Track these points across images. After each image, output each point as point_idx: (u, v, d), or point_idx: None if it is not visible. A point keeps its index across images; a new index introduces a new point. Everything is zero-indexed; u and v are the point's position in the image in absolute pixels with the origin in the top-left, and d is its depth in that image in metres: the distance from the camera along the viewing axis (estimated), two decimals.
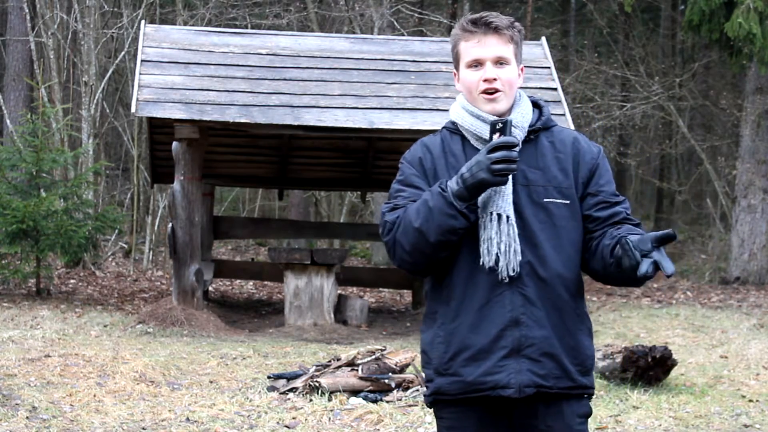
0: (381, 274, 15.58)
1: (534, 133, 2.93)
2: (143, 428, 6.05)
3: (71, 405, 6.50)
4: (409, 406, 6.60)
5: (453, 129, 2.99)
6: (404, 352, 7.43)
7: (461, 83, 2.97)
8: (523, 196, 2.86)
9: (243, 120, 10.35)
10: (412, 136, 11.11)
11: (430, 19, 20.28)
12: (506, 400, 2.84)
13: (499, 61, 2.90)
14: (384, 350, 7.27)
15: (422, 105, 10.82)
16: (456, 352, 2.86)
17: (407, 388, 6.94)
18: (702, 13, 14.72)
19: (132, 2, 18.28)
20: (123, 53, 17.41)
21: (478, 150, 2.87)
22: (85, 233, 12.28)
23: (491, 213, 2.83)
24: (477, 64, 2.91)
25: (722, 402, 7.25)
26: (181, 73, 10.89)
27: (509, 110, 2.92)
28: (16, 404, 6.40)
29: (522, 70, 2.97)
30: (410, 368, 7.27)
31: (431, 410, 3.03)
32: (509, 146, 2.74)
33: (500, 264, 2.81)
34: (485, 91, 2.89)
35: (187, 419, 6.24)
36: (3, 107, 18.06)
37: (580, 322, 2.92)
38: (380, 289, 15.54)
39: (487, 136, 2.86)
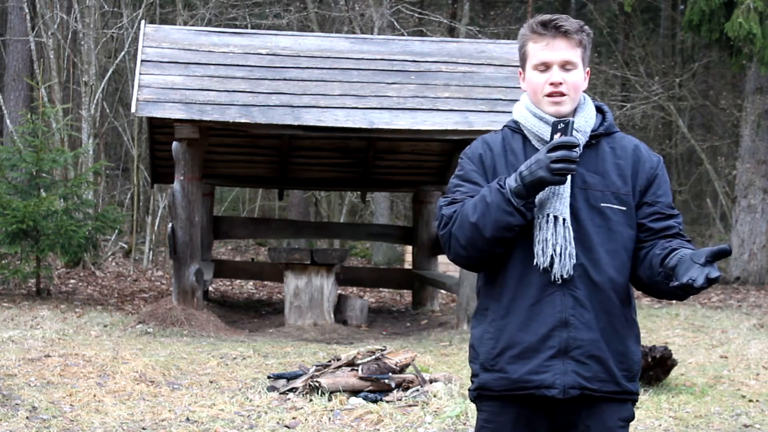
0: (381, 274, 15.58)
1: (596, 138, 2.94)
2: (143, 428, 6.05)
3: (71, 405, 6.50)
4: (409, 406, 6.60)
5: (515, 128, 2.99)
6: (404, 352, 7.43)
7: (527, 84, 2.97)
8: (581, 199, 2.88)
9: (243, 120, 10.35)
10: (412, 136, 11.13)
11: (430, 19, 20.29)
12: (549, 400, 2.86)
13: (566, 65, 2.90)
14: (384, 350, 7.27)
15: (422, 105, 10.82)
16: (503, 348, 2.88)
17: (407, 388, 6.94)
18: (702, 13, 14.73)
19: (132, 2, 18.28)
20: (123, 53, 17.41)
21: (538, 150, 2.88)
22: (85, 233, 12.28)
23: (548, 214, 2.85)
24: (544, 66, 2.91)
25: (722, 402, 7.25)
26: (181, 73, 10.89)
27: (573, 114, 2.93)
28: (16, 404, 6.40)
29: (588, 73, 2.98)
30: (410, 368, 7.27)
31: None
32: (569, 146, 2.75)
33: (554, 266, 2.83)
34: (550, 94, 2.90)
35: (187, 419, 6.24)
36: (3, 107, 18.06)
37: (629, 327, 2.94)
38: (380, 289, 15.55)
39: (548, 137, 2.87)
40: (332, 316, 11.34)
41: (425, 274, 13.06)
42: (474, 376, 2.98)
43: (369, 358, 7.05)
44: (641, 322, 11.34)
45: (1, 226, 11.92)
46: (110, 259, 17.17)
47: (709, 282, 2.66)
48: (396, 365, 7.12)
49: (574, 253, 2.84)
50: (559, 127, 2.80)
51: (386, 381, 6.89)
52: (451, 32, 20.13)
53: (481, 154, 2.97)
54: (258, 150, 13.30)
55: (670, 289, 2.80)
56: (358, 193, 16.90)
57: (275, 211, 23.08)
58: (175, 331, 10.05)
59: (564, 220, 2.84)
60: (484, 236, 2.82)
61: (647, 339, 10.18)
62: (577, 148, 2.78)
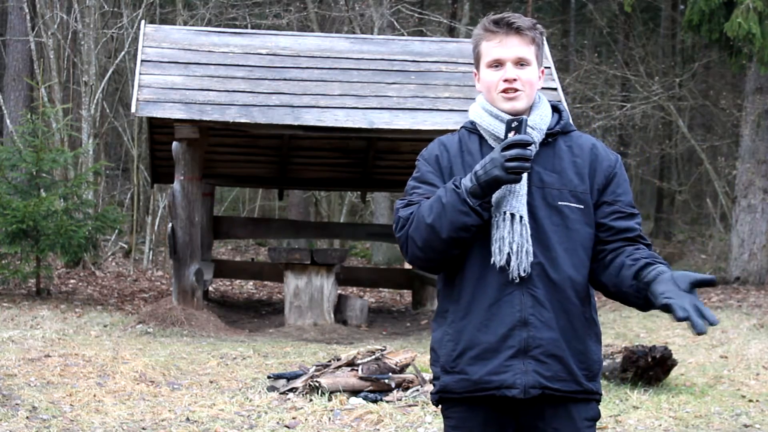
0: (381, 274, 15.58)
1: (552, 136, 2.93)
2: (143, 428, 6.05)
3: (71, 405, 6.50)
4: (409, 406, 6.60)
5: (471, 128, 2.98)
6: (404, 352, 7.43)
7: (481, 83, 2.96)
8: (538, 197, 2.86)
9: (243, 120, 10.35)
10: (412, 136, 11.13)
11: (430, 19, 20.29)
12: (512, 401, 2.84)
13: (520, 62, 2.90)
14: (384, 350, 7.27)
15: (422, 105, 10.82)
16: (463, 350, 2.86)
17: (407, 388, 6.94)
18: (702, 13, 14.72)
19: (132, 2, 18.28)
20: (123, 53, 17.41)
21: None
22: (85, 233, 12.28)
23: (504, 212, 2.83)
24: (497, 64, 2.91)
25: (722, 402, 7.25)
26: (181, 73, 10.89)
27: (528, 111, 2.92)
28: (16, 404, 6.40)
29: (542, 72, 2.97)
30: (410, 368, 7.27)
31: (437, 409, 3.04)
32: (524, 144, 2.74)
33: (511, 264, 2.81)
34: (505, 91, 2.89)
35: (187, 419, 6.24)
36: (3, 107, 18.06)
37: (588, 326, 2.92)
38: (380, 289, 15.54)
39: (503, 135, 2.86)
40: (332, 316, 11.34)
41: (425, 274, 13.05)
42: (435, 379, 2.96)
43: (369, 358, 7.05)
44: (641, 322, 11.36)
45: (1, 226, 11.92)
46: (110, 259, 17.17)
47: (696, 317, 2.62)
48: (396, 365, 7.12)
49: (532, 251, 2.82)
50: (513, 126, 2.79)
51: (386, 381, 6.89)
52: (451, 32, 20.13)
53: (438, 155, 2.96)
54: (258, 150, 13.30)
55: (637, 302, 2.81)
56: (358, 193, 16.90)
57: (275, 211, 23.08)
58: (175, 331, 10.05)
59: (521, 217, 2.82)
60: (440, 237, 2.80)
61: (647, 339, 10.18)
62: (532, 146, 2.77)
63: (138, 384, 7.14)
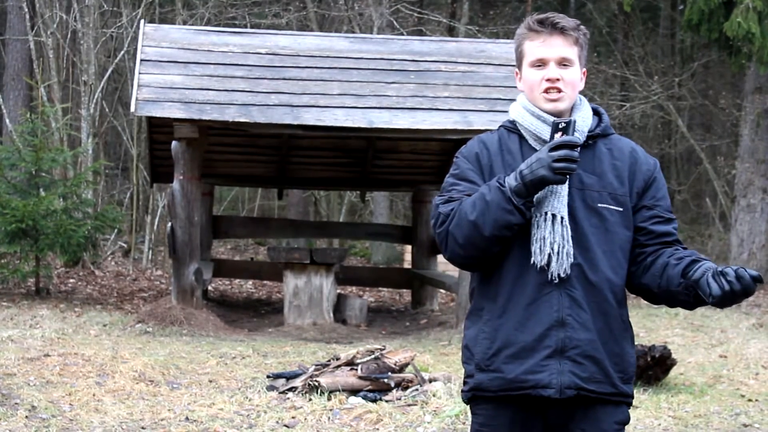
0: (380, 273, 15.58)
1: (592, 138, 2.93)
2: (142, 427, 6.05)
3: (70, 404, 6.50)
4: (409, 405, 6.60)
5: (511, 128, 2.98)
6: (403, 352, 7.43)
7: (523, 82, 2.96)
8: (578, 199, 2.87)
9: (242, 119, 10.35)
10: (411, 135, 11.13)
11: (430, 19, 20.29)
12: (544, 401, 2.84)
13: (563, 62, 2.89)
14: (383, 350, 7.27)
15: (422, 104, 10.82)
16: (499, 348, 2.86)
17: (406, 388, 6.94)
18: (701, 12, 14.73)
19: (131, 1, 18.28)
20: (122, 52, 17.40)
21: (535, 150, 2.88)
22: (84, 232, 12.28)
23: (546, 213, 2.83)
24: (541, 63, 2.91)
25: (721, 401, 7.25)
26: (181, 72, 10.88)
27: (569, 112, 2.93)
28: (16, 403, 6.40)
29: (584, 73, 2.97)
30: (409, 368, 7.27)
31: (468, 407, 3.03)
32: (572, 146, 2.75)
33: (552, 264, 2.82)
34: (547, 91, 2.89)
35: (187, 418, 6.24)
36: (2, 106, 18.05)
37: (625, 329, 2.92)
38: (379, 288, 15.55)
39: (546, 136, 2.86)
40: (331, 315, 11.34)
41: (424, 274, 13.06)
42: (468, 376, 2.95)
43: (368, 358, 7.05)
44: (641, 322, 11.36)
45: (0, 225, 11.91)
46: (109, 259, 17.17)
47: (743, 290, 2.70)
48: (395, 365, 7.12)
49: (572, 252, 2.82)
50: (560, 126, 2.80)
51: (385, 380, 6.89)
52: (451, 32, 20.13)
53: (478, 153, 2.95)
54: (257, 149, 13.30)
55: (687, 299, 2.84)
56: (358, 192, 16.91)
57: (274, 210, 23.07)
58: (175, 331, 10.05)
59: (562, 218, 2.83)
60: (483, 235, 2.80)
61: (646, 338, 10.18)
62: (578, 148, 2.78)
63: (137, 383, 7.13)
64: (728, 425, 6.59)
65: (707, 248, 19.42)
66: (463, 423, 6.17)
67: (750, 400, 7.37)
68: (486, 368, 2.88)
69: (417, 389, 6.91)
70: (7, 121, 17.64)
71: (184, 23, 17.35)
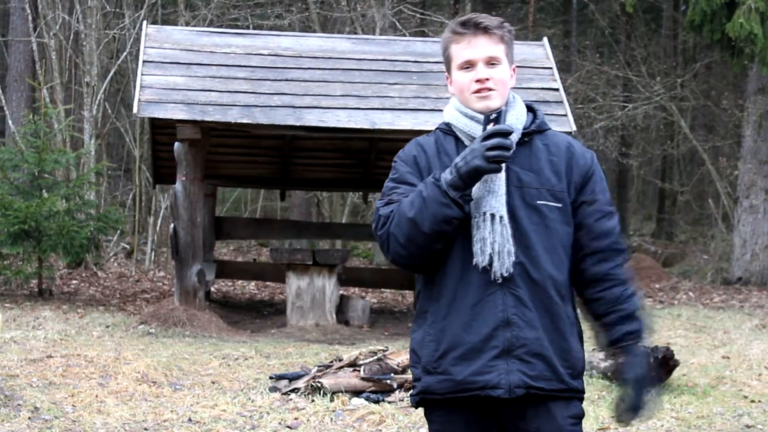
0: (383, 274, 15.57)
1: (528, 135, 2.93)
2: (145, 429, 6.05)
3: (73, 405, 6.51)
4: (411, 406, 6.60)
5: (446, 130, 2.98)
6: (406, 353, 7.43)
7: (454, 85, 2.96)
8: (517, 197, 2.86)
9: (245, 120, 10.35)
10: (413, 136, 11.08)
11: (432, 20, 20.29)
12: (495, 401, 2.83)
13: (491, 62, 2.90)
14: (386, 351, 7.27)
15: (424, 105, 10.82)
16: (446, 350, 2.85)
17: (409, 389, 6.94)
18: (703, 13, 14.72)
19: (134, 3, 18.29)
20: (125, 54, 17.42)
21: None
22: (87, 234, 12.29)
23: (484, 213, 2.83)
24: (468, 65, 2.91)
25: (724, 402, 7.24)
26: (183, 73, 10.89)
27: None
28: (18, 405, 6.40)
29: (514, 70, 2.97)
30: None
31: (421, 412, 3.03)
32: (504, 133, 2.75)
33: (494, 264, 2.81)
34: (477, 91, 2.89)
35: (189, 420, 6.24)
36: (5, 108, 18.07)
37: (571, 324, 2.92)
38: (382, 289, 15.54)
39: (478, 134, 2.85)
40: (334, 316, 11.34)
41: None
42: (416, 380, 2.94)
43: (371, 359, 7.05)
44: None
45: (3, 226, 11.92)
46: (112, 260, 17.18)
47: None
48: (398, 366, 7.12)
49: (513, 251, 2.82)
50: (491, 118, 2.81)
51: (388, 381, 6.89)
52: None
53: (416, 155, 2.96)
54: (260, 150, 13.30)
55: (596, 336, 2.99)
56: (360, 193, 16.89)
57: (277, 211, 23.08)
58: (177, 332, 10.05)
59: (501, 217, 2.82)
60: (422, 231, 2.79)
61: (649, 339, 10.15)
62: (512, 135, 2.78)
63: (140, 384, 7.14)
64: (731, 426, 6.59)
65: (710, 249, 19.42)
66: None
67: (753, 401, 7.36)
68: (433, 371, 2.87)
69: None
70: (10, 122, 17.65)
71: (187, 24, 17.36)
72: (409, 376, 7.09)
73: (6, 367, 7.53)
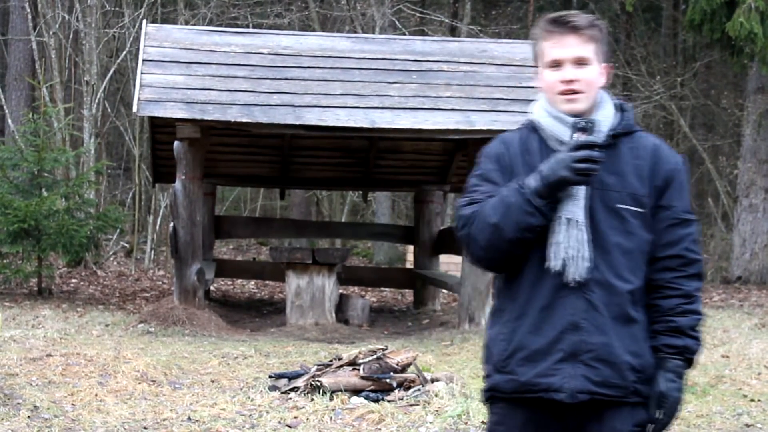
0: (382, 273, 15.59)
1: (614, 137, 2.88)
2: (145, 428, 6.05)
3: (73, 404, 6.51)
4: (411, 405, 6.60)
5: (532, 127, 2.95)
6: (405, 352, 7.43)
7: (542, 83, 2.92)
8: (597, 200, 2.83)
9: (244, 119, 10.35)
10: (413, 135, 11.13)
11: (432, 19, 20.29)
12: (558, 404, 2.83)
13: (579, 62, 2.85)
14: (385, 350, 7.27)
15: (424, 104, 10.82)
16: (514, 350, 2.85)
17: (409, 388, 6.94)
18: (703, 12, 14.72)
19: (133, 2, 18.29)
20: (124, 53, 17.42)
21: (555, 151, 2.85)
22: (86, 233, 12.29)
23: (561, 217, 2.81)
24: (556, 64, 2.87)
25: (724, 401, 7.24)
26: (183, 72, 10.89)
27: (590, 111, 2.89)
28: (18, 404, 6.40)
29: (605, 68, 2.92)
30: (412, 368, 7.27)
31: (486, 407, 3.02)
32: (593, 146, 2.73)
33: (568, 269, 2.80)
34: (564, 92, 2.86)
35: (189, 419, 6.24)
36: (5, 107, 18.07)
37: (644, 330, 2.89)
38: (382, 288, 15.55)
39: (565, 138, 2.83)
40: (334, 315, 11.34)
41: (427, 274, 13.06)
42: (487, 376, 2.95)
43: (370, 358, 7.05)
44: None
45: (2, 225, 11.92)
46: (112, 259, 17.18)
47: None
48: (397, 365, 7.12)
49: (588, 257, 2.80)
50: (580, 126, 2.77)
51: (388, 380, 6.89)
52: (453, 32, 20.13)
53: (499, 153, 2.93)
54: (259, 149, 13.30)
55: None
56: (360, 192, 16.90)
57: (277, 210, 23.09)
58: (177, 331, 10.05)
59: (578, 222, 2.80)
60: (504, 237, 2.79)
61: None
62: (600, 149, 2.75)
63: (139, 383, 7.14)
64: (730, 425, 6.59)
65: (709, 248, 19.41)
66: (465, 423, 6.16)
67: (752, 401, 7.36)
68: (502, 370, 2.88)
69: (419, 389, 6.91)
70: (10, 121, 17.65)
71: (187, 23, 17.36)
72: (408, 375, 7.09)
73: (5, 366, 7.53)
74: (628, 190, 2.85)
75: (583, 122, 2.77)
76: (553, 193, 2.77)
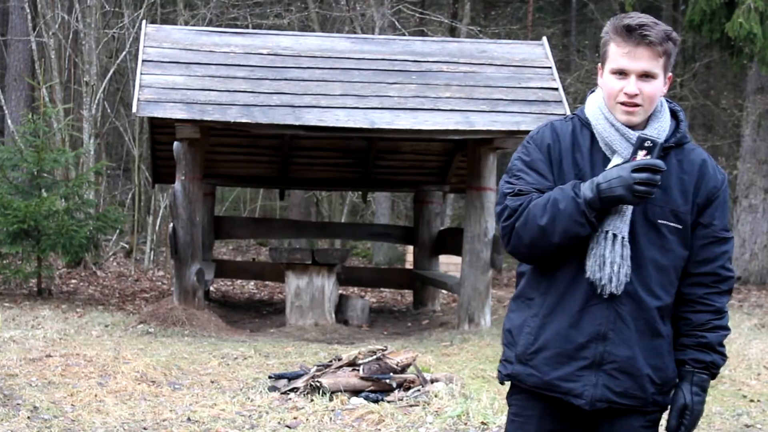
0: (382, 274, 15.58)
1: (666, 150, 2.86)
2: (144, 428, 6.05)
3: (72, 405, 6.51)
4: (411, 406, 6.60)
5: (585, 122, 2.92)
6: (405, 352, 7.43)
7: (603, 84, 2.89)
8: (638, 212, 2.82)
9: (244, 120, 10.35)
10: (413, 136, 11.13)
11: (431, 19, 20.29)
12: (575, 407, 2.86)
13: (645, 76, 2.81)
14: (385, 350, 7.27)
15: (423, 105, 10.82)
16: (540, 348, 2.87)
17: (408, 388, 6.94)
18: (703, 12, 14.73)
19: (133, 2, 18.28)
20: (124, 53, 17.41)
21: (604, 153, 2.85)
22: (86, 233, 12.29)
23: (608, 232, 2.80)
24: (622, 73, 2.82)
25: (723, 402, 7.25)
26: (183, 73, 10.88)
27: (646, 122, 2.86)
28: (18, 404, 6.40)
29: (669, 79, 2.88)
30: (411, 368, 7.27)
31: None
32: (656, 170, 2.70)
33: (608, 283, 2.79)
34: (624, 103, 2.82)
35: (189, 419, 6.24)
36: (4, 107, 18.07)
37: (669, 344, 2.91)
38: (381, 289, 15.55)
39: (618, 147, 2.82)
40: (333, 316, 11.34)
41: (426, 274, 13.06)
42: (507, 361, 2.96)
43: (370, 358, 7.05)
44: None
45: (2, 226, 11.92)
46: (111, 259, 17.18)
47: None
48: (397, 365, 7.12)
49: (628, 273, 2.80)
50: (645, 145, 2.74)
51: (387, 381, 6.89)
52: (452, 32, 20.13)
53: (550, 144, 2.90)
54: (259, 150, 13.30)
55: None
56: (359, 193, 16.90)
57: (276, 211, 23.08)
58: (177, 331, 10.05)
59: (623, 238, 2.79)
60: (551, 241, 2.79)
61: None
62: (661, 173, 2.72)
63: (139, 384, 7.14)
64: (730, 426, 6.59)
65: None
66: (465, 424, 6.17)
67: (752, 401, 7.36)
68: (525, 362, 2.90)
69: (419, 390, 6.91)
70: (9, 121, 17.65)
71: (186, 24, 17.35)
72: (407, 375, 7.09)
73: (5, 367, 7.53)
74: (671, 206, 2.84)
75: (649, 142, 2.74)
76: (606, 207, 2.76)
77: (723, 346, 2.93)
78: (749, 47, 14.41)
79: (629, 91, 2.80)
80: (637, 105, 2.81)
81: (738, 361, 8.92)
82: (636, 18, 2.82)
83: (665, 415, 2.97)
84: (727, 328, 2.93)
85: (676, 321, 2.92)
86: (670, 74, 2.88)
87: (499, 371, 3.04)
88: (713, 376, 2.94)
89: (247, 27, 18.54)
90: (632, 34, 2.80)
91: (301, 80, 11.01)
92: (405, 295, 15.00)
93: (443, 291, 13.31)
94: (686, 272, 2.90)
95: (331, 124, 10.49)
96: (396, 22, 18.64)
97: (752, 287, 15.37)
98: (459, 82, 11.20)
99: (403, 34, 17.56)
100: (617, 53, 2.82)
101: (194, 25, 16.98)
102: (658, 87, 2.83)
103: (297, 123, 10.44)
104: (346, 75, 11.17)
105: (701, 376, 2.90)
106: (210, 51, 11.29)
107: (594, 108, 2.90)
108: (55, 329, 9.76)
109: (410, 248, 15.29)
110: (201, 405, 6.61)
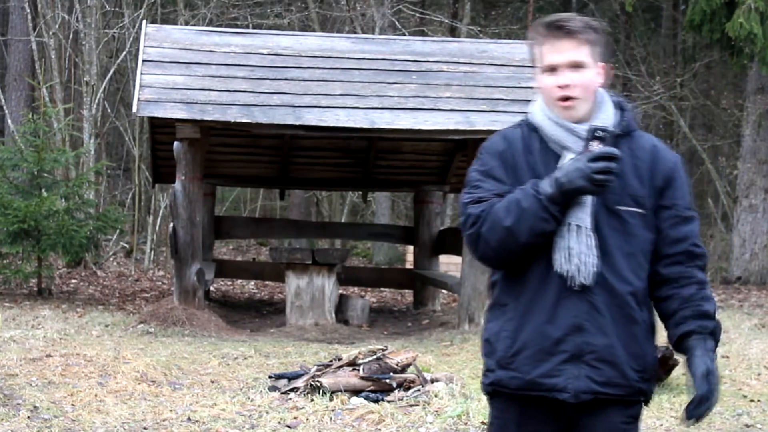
0: (382, 274, 15.59)
1: (616, 139, 2.89)
2: (144, 428, 6.05)
3: (72, 405, 6.51)
4: (411, 405, 6.60)
5: (532, 127, 2.95)
6: (405, 352, 7.43)
7: (540, 87, 2.93)
8: (598, 202, 2.85)
9: (244, 120, 10.35)
10: (413, 135, 11.13)
11: (432, 19, 20.29)
12: (560, 402, 2.87)
13: (574, 66, 2.86)
14: (385, 350, 7.27)
15: (423, 105, 10.82)
16: (519, 349, 2.88)
17: (408, 388, 6.94)
18: (703, 12, 14.73)
19: (133, 2, 18.29)
20: (124, 53, 17.42)
21: (555, 152, 2.88)
22: (86, 233, 12.29)
23: (570, 223, 2.83)
24: (552, 69, 2.87)
25: (723, 402, 7.24)
26: (183, 72, 10.89)
27: (590, 113, 2.90)
28: (18, 404, 6.40)
29: (602, 68, 2.92)
30: (411, 368, 7.27)
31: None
32: (612, 158, 2.75)
33: (577, 274, 2.82)
34: (560, 99, 2.87)
35: (189, 419, 6.24)
36: (4, 107, 18.07)
37: (646, 330, 2.93)
38: (381, 289, 15.55)
39: (568, 143, 2.85)
40: (333, 316, 11.34)
41: (426, 274, 13.06)
42: (489, 370, 2.98)
43: (370, 358, 7.05)
44: None
45: (2, 225, 11.92)
46: (111, 259, 17.18)
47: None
48: (397, 365, 7.12)
49: (595, 262, 2.82)
50: (596, 135, 2.78)
51: (387, 381, 6.89)
52: (453, 32, 20.13)
53: (502, 150, 2.94)
54: (259, 150, 13.30)
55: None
56: (360, 193, 16.90)
57: (276, 211, 23.09)
58: (177, 331, 10.05)
59: (586, 228, 2.82)
60: (518, 241, 2.81)
61: None
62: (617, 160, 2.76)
63: (139, 384, 7.14)
64: (730, 426, 6.59)
65: (709, 248, 19.41)
66: (465, 423, 6.17)
67: (752, 401, 7.36)
68: (506, 366, 2.91)
69: (419, 390, 6.91)
70: (9, 121, 17.65)
71: (186, 24, 17.35)
72: (407, 375, 7.09)
73: (5, 367, 7.53)
74: (628, 191, 2.87)
75: (600, 131, 2.78)
76: (568, 200, 2.79)
77: (716, 315, 2.97)
78: (749, 47, 14.40)
79: (561, 82, 2.85)
80: (572, 98, 2.86)
81: (738, 361, 8.92)
82: (555, 16, 2.90)
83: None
84: (711, 298, 2.96)
85: (665, 302, 2.94)
86: (603, 64, 2.92)
87: (482, 383, 3.05)
88: (717, 343, 2.95)
89: (247, 27, 18.54)
90: (552, 29, 2.86)
91: (302, 80, 11.01)
92: (405, 295, 15.00)
93: (443, 291, 13.31)
94: (661, 255, 2.92)
95: (332, 124, 10.49)
96: (396, 22, 18.65)
97: (752, 287, 15.37)
98: (459, 81, 11.21)
99: (404, 34, 17.56)
100: (543, 51, 2.88)
101: (194, 25, 16.98)
102: (589, 76, 2.87)
103: (297, 123, 10.44)
104: (346, 75, 11.17)
105: (710, 342, 2.91)
106: (210, 51, 11.29)
107: (539, 114, 2.94)
108: (55, 329, 9.76)
109: (410, 248, 15.29)
110: (201, 405, 6.62)
